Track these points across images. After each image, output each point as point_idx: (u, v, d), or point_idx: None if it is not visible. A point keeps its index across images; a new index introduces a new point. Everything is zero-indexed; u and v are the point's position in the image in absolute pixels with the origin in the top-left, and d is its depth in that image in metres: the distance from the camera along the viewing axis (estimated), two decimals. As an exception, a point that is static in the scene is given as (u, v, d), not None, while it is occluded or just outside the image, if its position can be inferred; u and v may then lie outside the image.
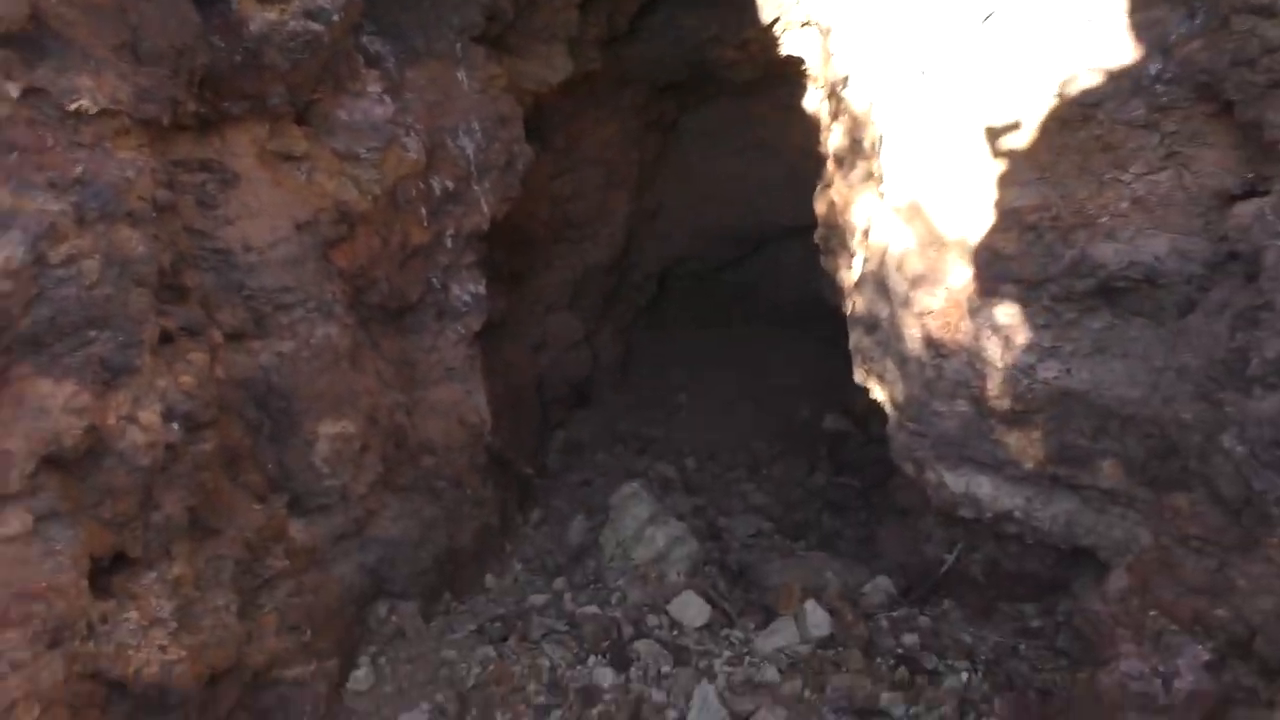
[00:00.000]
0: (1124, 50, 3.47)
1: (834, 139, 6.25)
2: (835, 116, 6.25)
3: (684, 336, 9.53)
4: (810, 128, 7.25)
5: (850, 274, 5.78)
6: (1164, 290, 3.56)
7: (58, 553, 3.16)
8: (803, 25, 7.39)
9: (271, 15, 4.55)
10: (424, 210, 5.79)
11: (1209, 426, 2.98)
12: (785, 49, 7.56)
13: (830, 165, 6.41)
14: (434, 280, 5.98)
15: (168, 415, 3.61)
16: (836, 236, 6.32)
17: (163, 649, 3.62)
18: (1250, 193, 3.14)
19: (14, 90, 3.04)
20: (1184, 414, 3.14)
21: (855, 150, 5.80)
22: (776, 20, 7.58)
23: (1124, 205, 3.53)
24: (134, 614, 3.56)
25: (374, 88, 5.47)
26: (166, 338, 3.74)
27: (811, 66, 7.21)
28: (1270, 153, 2.94)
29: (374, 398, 5.00)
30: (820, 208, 6.66)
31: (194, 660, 3.69)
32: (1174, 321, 3.58)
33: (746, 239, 10.00)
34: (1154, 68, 3.35)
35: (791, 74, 7.76)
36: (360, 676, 4.52)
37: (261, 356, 4.53)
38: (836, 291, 6.38)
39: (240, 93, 4.38)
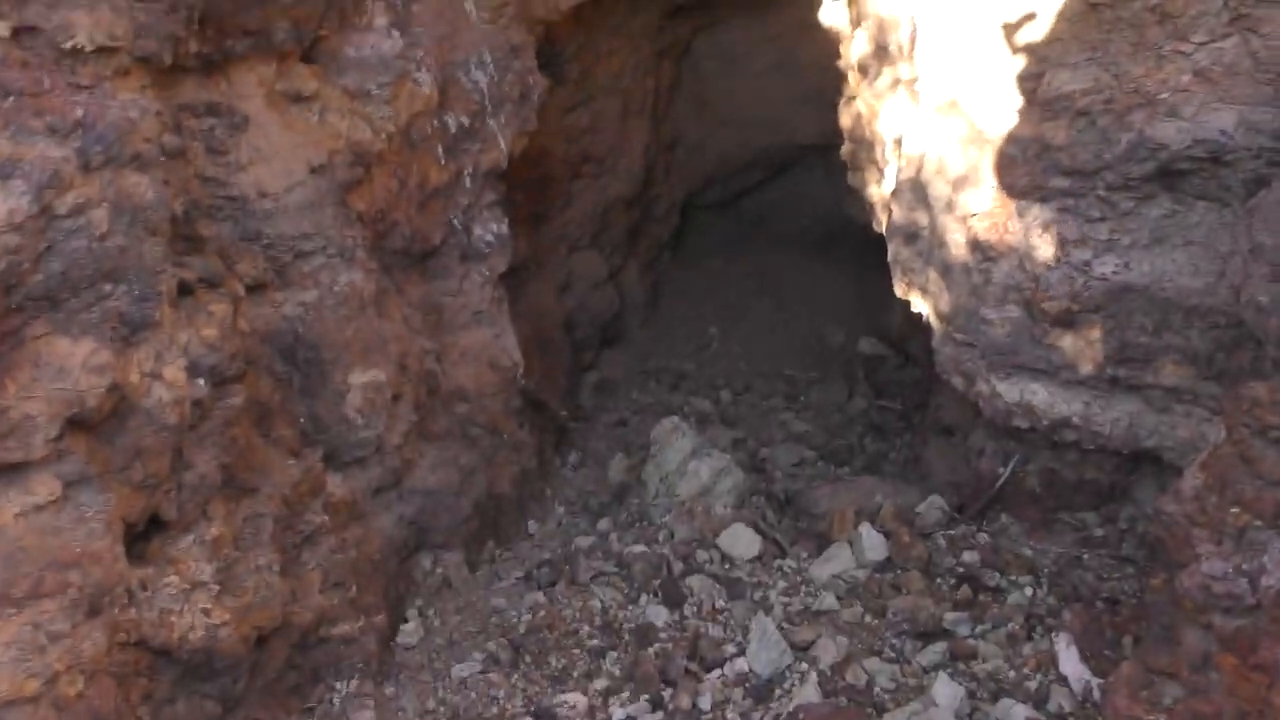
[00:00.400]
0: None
1: (857, 47, 5.97)
2: (857, 23, 5.97)
3: (711, 268, 9.31)
4: (829, 43, 6.96)
5: (881, 187, 5.56)
6: (1230, 168, 3.34)
7: (89, 519, 3.07)
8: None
9: (272, -53, 4.35)
10: (440, 148, 5.60)
11: (1291, 308, 2.79)
12: (799, -42, 7.27)
13: (854, 76, 6.15)
14: (455, 221, 5.81)
15: (193, 370, 3.49)
16: (865, 150, 6.08)
17: (206, 612, 3.55)
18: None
19: (3, 29, 2.88)
20: (1260, 296, 2.94)
21: (881, 56, 5.54)
22: (788, -73, 7.28)
23: (1185, 79, 3.30)
24: (174, 578, 3.49)
25: (381, 20, 5.27)
26: (185, 290, 3.61)
27: (827, -24, 6.91)
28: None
29: (403, 344, 4.88)
30: (846, 121, 6.41)
31: (239, 622, 3.63)
32: (1240, 203, 3.36)
33: (769, 163, 9.72)
34: (1215, -78, 3.09)
35: (806, -13, 7.46)
36: (409, 630, 4.45)
37: (285, 307, 4.41)
38: (866, 208, 6.16)
39: (243, 29, 4.19)
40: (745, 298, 8.79)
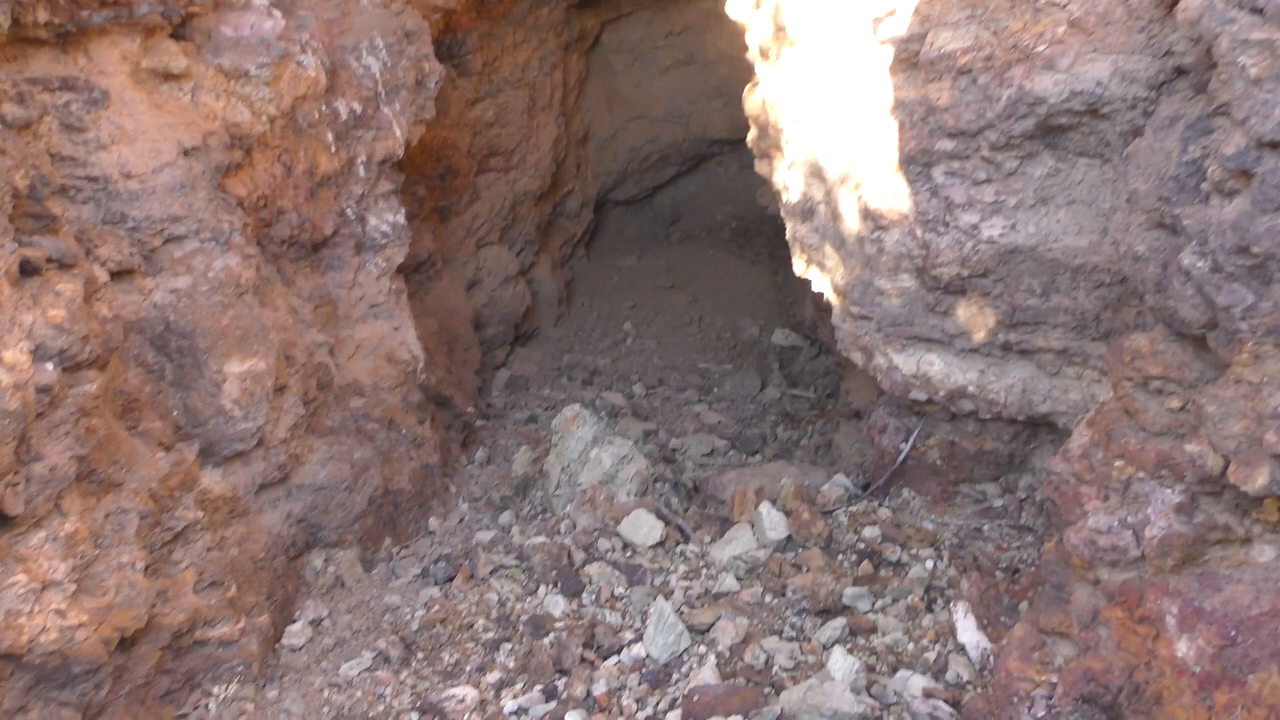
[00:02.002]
0: None
1: (758, 31, 5.94)
2: (757, 5, 5.94)
3: (625, 264, 9.22)
4: (736, 36, 6.93)
5: (784, 169, 5.51)
6: (1107, 121, 3.32)
7: (-83, 511, 2.83)
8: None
9: (132, -86, 4.14)
10: (330, 135, 5.43)
11: (1165, 253, 2.75)
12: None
13: (758, 61, 6.12)
14: (348, 211, 5.63)
15: (38, 354, 3.26)
16: (769, 136, 6.04)
17: (60, 614, 3.30)
18: None
19: None
20: (1137, 245, 2.91)
21: (780, 38, 5.50)
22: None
23: (1061, 30, 3.27)
24: (22, 577, 3.23)
25: (260, 1, 5.08)
26: (32, 270, 3.38)
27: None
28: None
29: (288, 334, 4.67)
30: (751, 108, 6.37)
31: (98, 624, 3.38)
32: (1119, 158, 3.34)
33: (681, 158, 9.68)
34: None
35: (712, -22, 7.44)
36: (296, 630, 4.23)
37: (155, 294, 4.18)
38: (774, 196, 6.12)
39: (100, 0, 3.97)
40: (660, 293, 8.71)
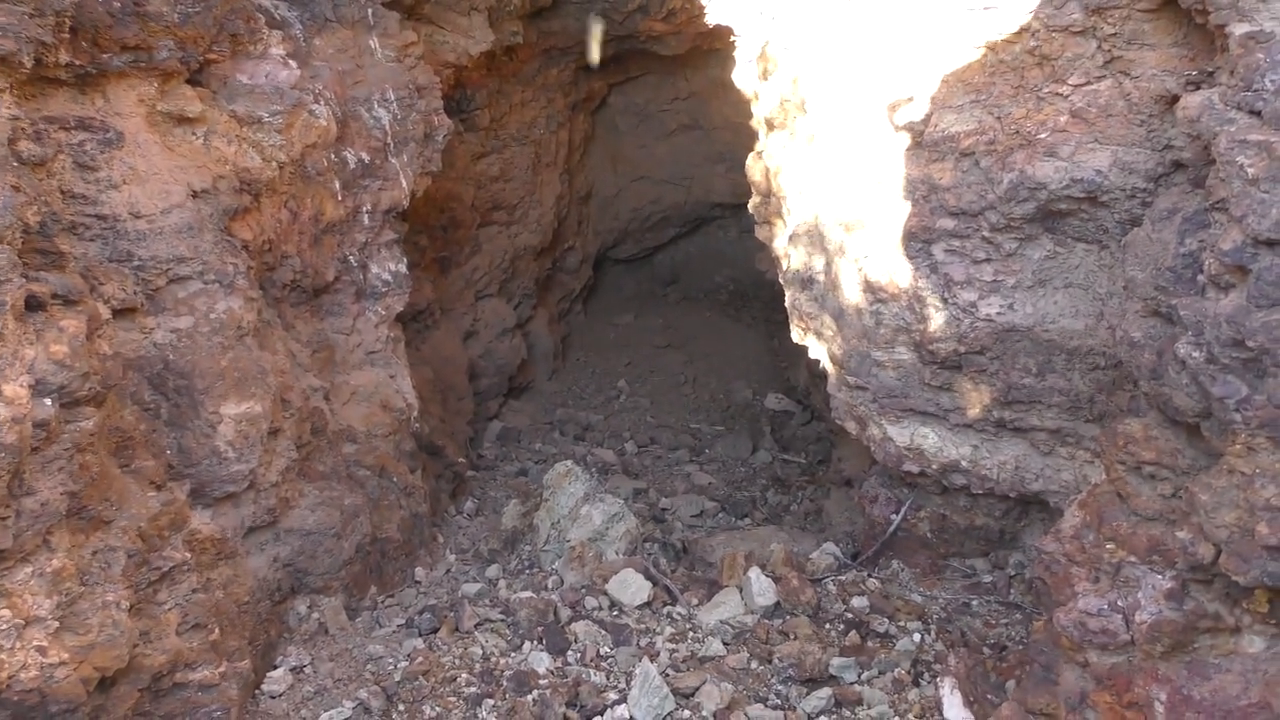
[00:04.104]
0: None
1: (765, 102, 6.07)
2: (765, 77, 6.07)
3: (622, 322, 9.28)
4: (742, 103, 7.07)
5: (784, 237, 5.59)
6: (1106, 209, 3.40)
7: (-94, 540, 2.81)
8: (730, -8, 7.22)
9: (157, -39, 4.23)
10: (337, 183, 5.49)
11: (1160, 341, 2.80)
12: (712, 18, 7.38)
13: (763, 130, 6.25)
14: (351, 258, 5.67)
15: (38, 389, 3.26)
16: (771, 203, 6.14)
17: (42, 650, 3.26)
18: (1195, 89, 2.97)
19: None
20: (1134, 332, 2.96)
21: (786, 109, 5.62)
22: (703, -14, 7.41)
23: (1063, 120, 3.36)
24: (6, 612, 3.20)
25: (277, 50, 5.17)
26: (37, 305, 3.39)
27: (740, 34, 7.03)
28: (1212, 41, 2.77)
29: (285, 378, 4.68)
30: (754, 175, 6.49)
31: (79, 663, 3.34)
32: (1117, 245, 3.41)
33: (682, 220, 9.80)
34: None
35: (720, 47, 7.57)
36: (277, 677, 4.18)
37: (156, 334, 4.19)
38: (774, 262, 6.20)
39: (121, 43, 4.04)
40: (655, 352, 8.76)
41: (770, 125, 6.04)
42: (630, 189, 9.42)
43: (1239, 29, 2.61)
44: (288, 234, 5.06)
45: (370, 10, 5.95)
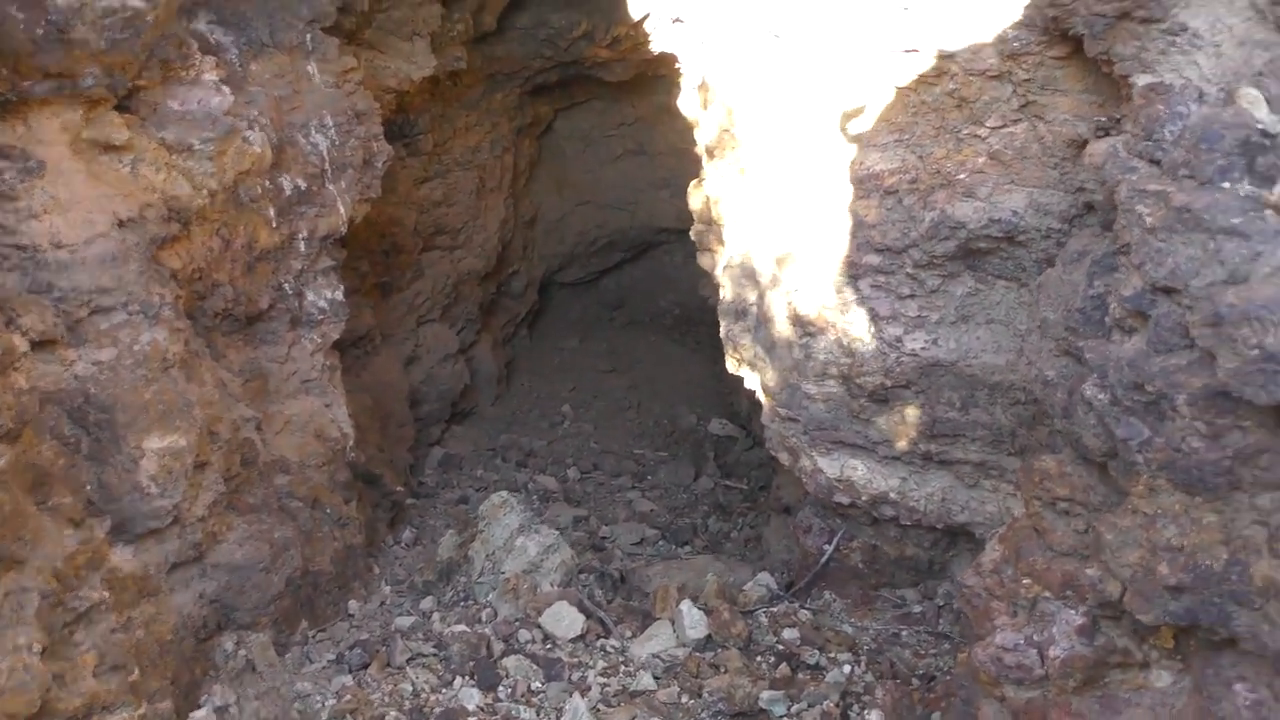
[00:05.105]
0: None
1: (705, 130, 6.12)
2: (706, 106, 6.12)
3: (567, 346, 9.27)
4: (686, 129, 7.12)
5: (721, 267, 5.63)
6: (1023, 248, 3.47)
7: None
8: (674, 21, 7.27)
9: (82, -13, 4.16)
10: (272, 210, 5.42)
11: (1071, 380, 2.86)
12: (657, 45, 7.44)
13: (705, 158, 6.29)
14: (286, 286, 5.60)
15: (-53, 428, 3.19)
16: (713, 231, 6.19)
17: (-53, 696, 3.17)
18: (1104, 134, 3.05)
19: None
20: (1048, 371, 3.02)
21: (724, 140, 5.67)
22: (647, 16, 7.45)
23: (981, 161, 3.43)
24: (-90, 657, 3.12)
25: (210, 76, 5.09)
26: (-55, 341, 3.32)
27: (683, 62, 7.09)
28: (1119, 89, 2.85)
29: (213, 410, 4.60)
30: (695, 204, 6.53)
31: (-12, 709, 3.25)
32: (1035, 281, 3.48)
33: (628, 245, 9.83)
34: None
35: (665, 73, 7.63)
36: (200, 717, 4.09)
37: (77, 366, 4.10)
38: (714, 289, 6.24)
39: (43, 71, 3.96)
40: (600, 377, 8.76)
41: (710, 154, 6.08)
42: (575, 213, 9.44)
43: (1141, 80, 2.69)
44: (219, 262, 4.99)
45: (309, 36, 5.89)
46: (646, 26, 7.55)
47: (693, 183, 6.62)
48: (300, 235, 5.64)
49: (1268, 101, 2.38)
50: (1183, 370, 2.36)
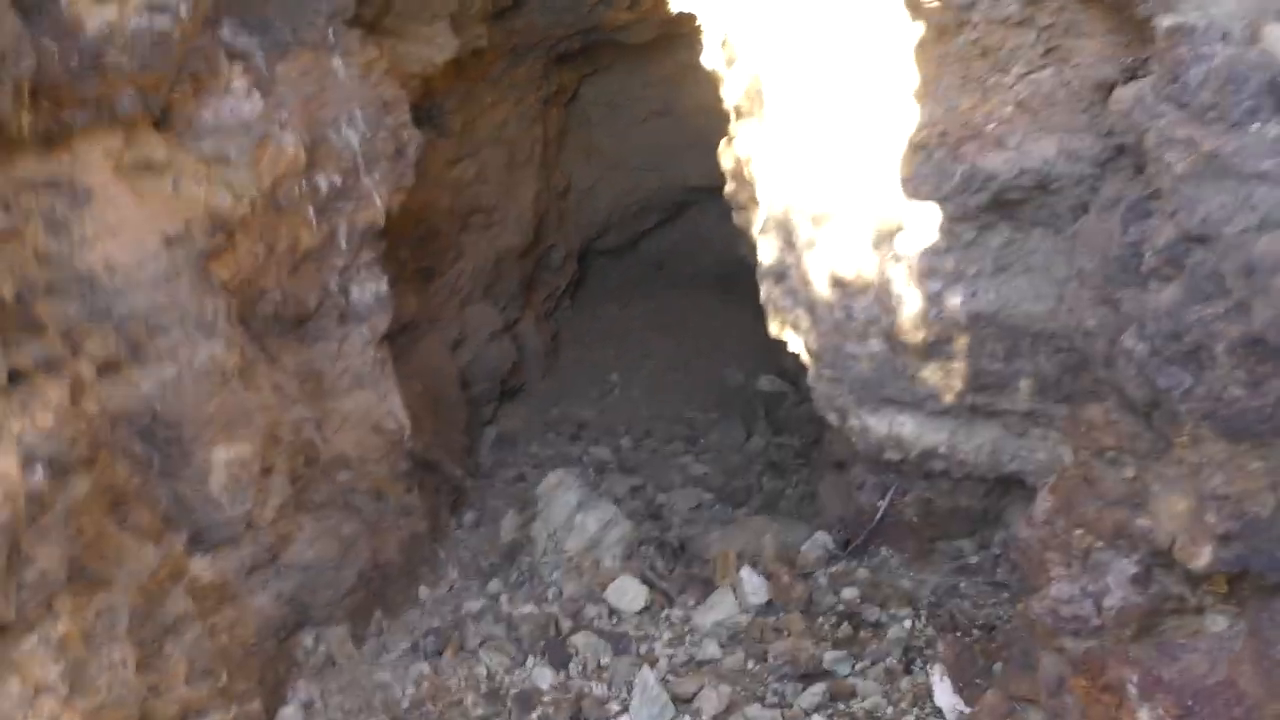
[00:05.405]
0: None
1: (731, 89, 6.06)
2: (730, 65, 6.06)
3: (610, 313, 9.33)
4: (713, 85, 7.07)
5: (758, 229, 5.62)
6: (1057, 196, 3.44)
7: (-90, 625, 2.89)
8: (692, -23, 7.18)
9: (110, 14, 4.19)
10: (311, 209, 5.51)
11: (1111, 330, 2.85)
12: (675, 4, 7.37)
13: (733, 117, 6.24)
14: (331, 284, 5.71)
15: (27, 462, 3.33)
16: (746, 190, 6.16)
17: (54, 718, 3.36)
18: (1131, 77, 3.00)
19: None
20: (1088, 320, 3.01)
21: (753, 98, 5.62)
22: (664, -26, 7.38)
23: (1008, 110, 3.40)
24: (16, 684, 3.30)
25: (239, 83, 5.17)
26: (18, 376, 3.46)
27: (704, 20, 7.02)
28: (1143, 31, 2.79)
29: (273, 414, 4.75)
30: (727, 163, 6.49)
31: (90, 724, 3.44)
32: (1070, 228, 3.45)
33: (662, 206, 9.81)
34: (1021, -47, 3.20)
35: (688, 31, 7.55)
36: (288, 714, 4.28)
37: (143, 385, 4.25)
38: (751, 247, 6.23)
39: (82, 100, 4.06)
40: (646, 341, 8.81)
41: (739, 113, 6.03)
42: (606, 179, 9.43)
43: (1165, 21, 2.63)
44: (265, 268, 5.11)
45: (330, 30, 5.91)
46: (664, -14, 7.49)
47: (722, 141, 6.57)
48: (340, 231, 5.73)
49: (1294, 38, 2.33)
50: (1220, 319, 2.35)
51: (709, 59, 7.00)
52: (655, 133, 9.32)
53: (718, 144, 6.75)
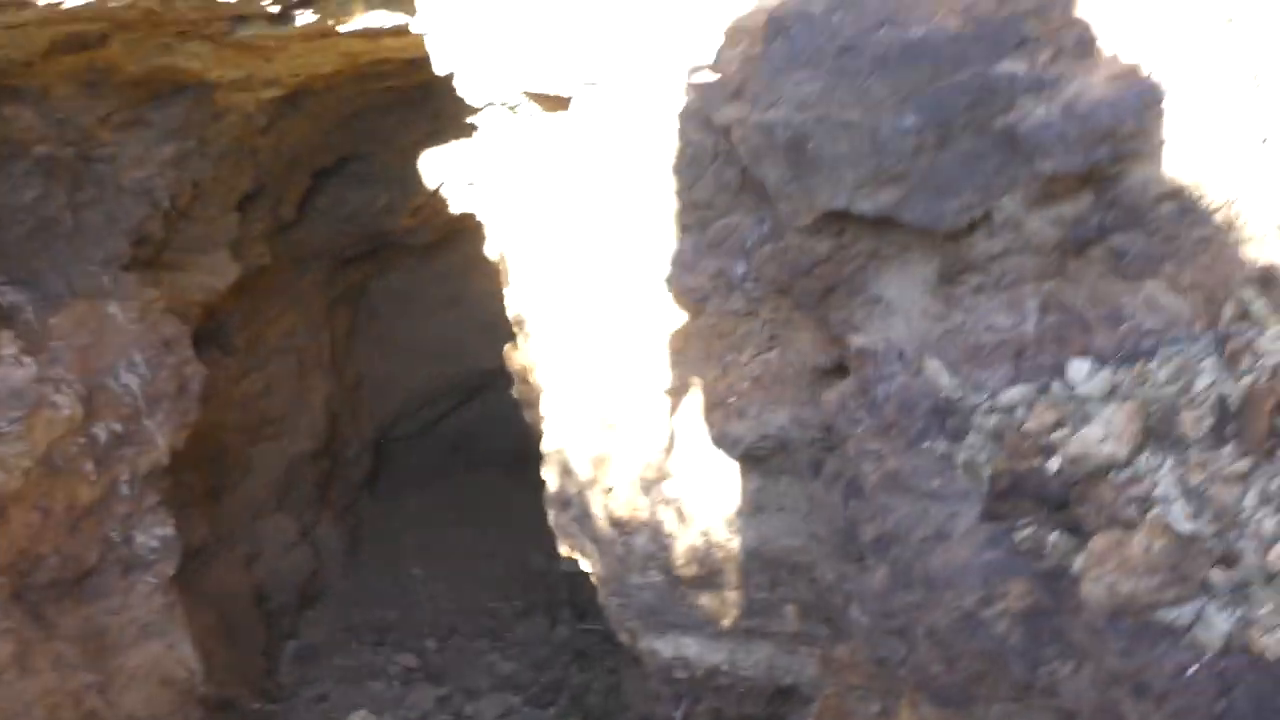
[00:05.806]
0: (714, 253, 3.85)
1: (510, 305, 6.41)
2: (506, 283, 6.42)
3: (410, 502, 9.38)
4: (497, 274, 7.42)
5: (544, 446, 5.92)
6: (796, 454, 3.93)
7: None
8: (469, 184, 7.60)
9: None
10: (90, 464, 5.44)
11: (841, 596, 3.30)
12: (456, 207, 7.73)
13: (515, 327, 6.57)
14: (113, 535, 5.60)
15: None
16: (533, 392, 6.46)
17: None
18: (839, 365, 3.53)
19: None
20: (827, 574, 3.47)
21: (521, 326, 5.99)
22: (442, 184, 7.76)
23: (745, 385, 3.89)
24: None
25: (9, 350, 5.13)
26: None
27: (484, 221, 7.40)
28: (838, 345, 3.34)
29: (54, 697, 4.58)
30: (513, 365, 6.78)
31: None
32: (810, 476, 3.95)
33: (457, 391, 10.05)
34: (740, 269, 3.74)
35: (472, 226, 7.93)
36: None
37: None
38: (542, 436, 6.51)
39: None
40: (446, 529, 8.90)
41: (519, 325, 6.38)
42: (400, 368, 9.60)
43: (854, 341, 3.18)
44: (41, 534, 4.99)
45: (105, 277, 5.94)
46: (444, 193, 7.89)
47: (507, 346, 6.89)
48: (122, 479, 5.66)
49: (947, 368, 2.91)
50: (917, 608, 2.82)
51: (491, 251, 7.37)
52: (446, 321, 9.62)
53: (507, 328, 7.07)
